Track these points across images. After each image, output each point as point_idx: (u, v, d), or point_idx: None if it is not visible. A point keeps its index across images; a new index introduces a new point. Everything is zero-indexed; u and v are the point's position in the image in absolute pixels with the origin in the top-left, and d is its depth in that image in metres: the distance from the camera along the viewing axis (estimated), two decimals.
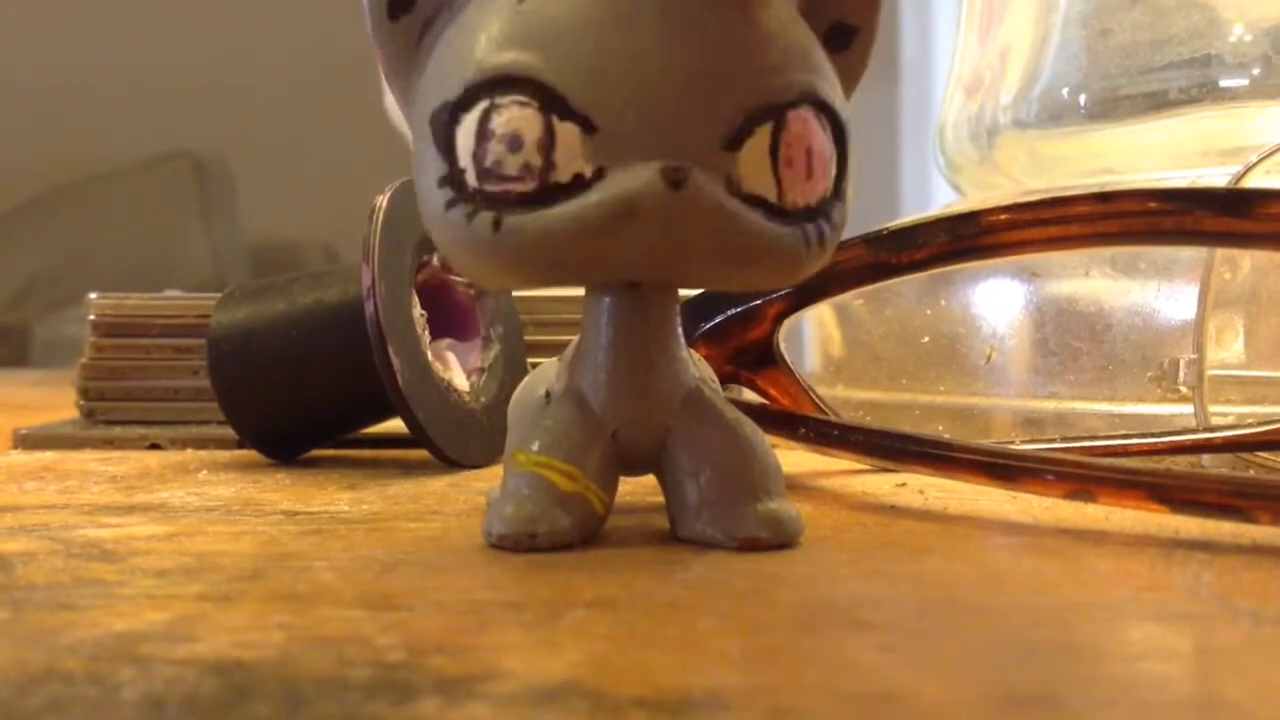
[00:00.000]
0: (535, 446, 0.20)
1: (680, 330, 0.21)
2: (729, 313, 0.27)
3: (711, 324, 0.27)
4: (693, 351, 0.23)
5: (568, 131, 0.17)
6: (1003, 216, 0.25)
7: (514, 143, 0.17)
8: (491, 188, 0.18)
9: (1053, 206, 0.24)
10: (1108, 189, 0.24)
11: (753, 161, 0.18)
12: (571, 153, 0.17)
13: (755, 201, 0.18)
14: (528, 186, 0.17)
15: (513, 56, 0.18)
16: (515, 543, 0.19)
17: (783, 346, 0.27)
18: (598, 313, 0.20)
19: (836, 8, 0.19)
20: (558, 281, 0.19)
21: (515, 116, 0.17)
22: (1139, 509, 0.21)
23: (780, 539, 0.20)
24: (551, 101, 0.17)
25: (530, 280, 0.19)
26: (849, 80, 0.20)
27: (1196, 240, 0.25)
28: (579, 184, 0.17)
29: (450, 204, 0.18)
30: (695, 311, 0.27)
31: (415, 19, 0.19)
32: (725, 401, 0.21)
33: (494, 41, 0.18)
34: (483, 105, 0.18)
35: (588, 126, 0.17)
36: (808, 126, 0.18)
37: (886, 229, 0.26)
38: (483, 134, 0.17)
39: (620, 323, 0.20)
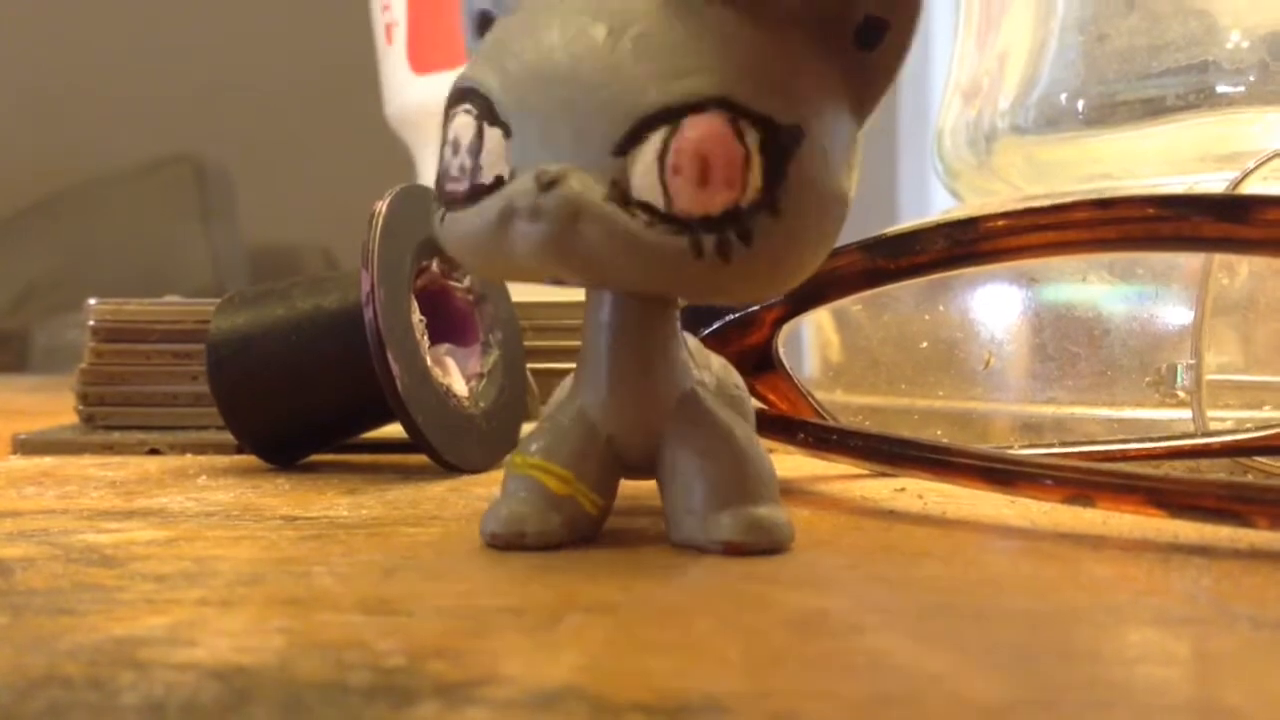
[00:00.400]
0: (533, 449, 0.20)
1: (679, 334, 0.21)
2: (728, 318, 0.27)
3: (710, 329, 0.27)
4: (708, 351, 0.23)
5: (494, 136, 0.18)
6: (1001, 222, 0.25)
7: (455, 147, 0.19)
8: (446, 187, 0.19)
9: (1051, 212, 0.24)
10: (1106, 195, 0.24)
11: (642, 168, 0.18)
12: (495, 156, 0.18)
13: (644, 208, 0.18)
14: (462, 186, 0.19)
15: (471, 70, 0.19)
16: (506, 542, 0.20)
17: (781, 352, 0.27)
18: (596, 319, 0.20)
19: (866, 1, 0.19)
20: (490, 275, 0.21)
21: (460, 123, 0.19)
22: (1137, 514, 0.21)
23: (765, 544, 0.20)
24: (484, 109, 0.19)
25: (477, 272, 0.21)
26: (880, 80, 0.19)
27: (1194, 246, 0.25)
28: (498, 185, 0.18)
29: (434, 200, 0.20)
30: (694, 316, 0.27)
31: None
32: (722, 405, 0.21)
33: (475, 58, 0.20)
34: (449, 114, 0.19)
35: (507, 131, 0.18)
36: (707, 132, 0.17)
37: (884, 234, 0.26)
38: (444, 140, 0.19)
39: (616, 328, 0.20)
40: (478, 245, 0.19)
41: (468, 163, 0.19)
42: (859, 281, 0.26)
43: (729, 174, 0.18)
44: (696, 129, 0.17)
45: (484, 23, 0.20)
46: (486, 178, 0.18)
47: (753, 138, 0.18)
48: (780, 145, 0.18)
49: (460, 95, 0.19)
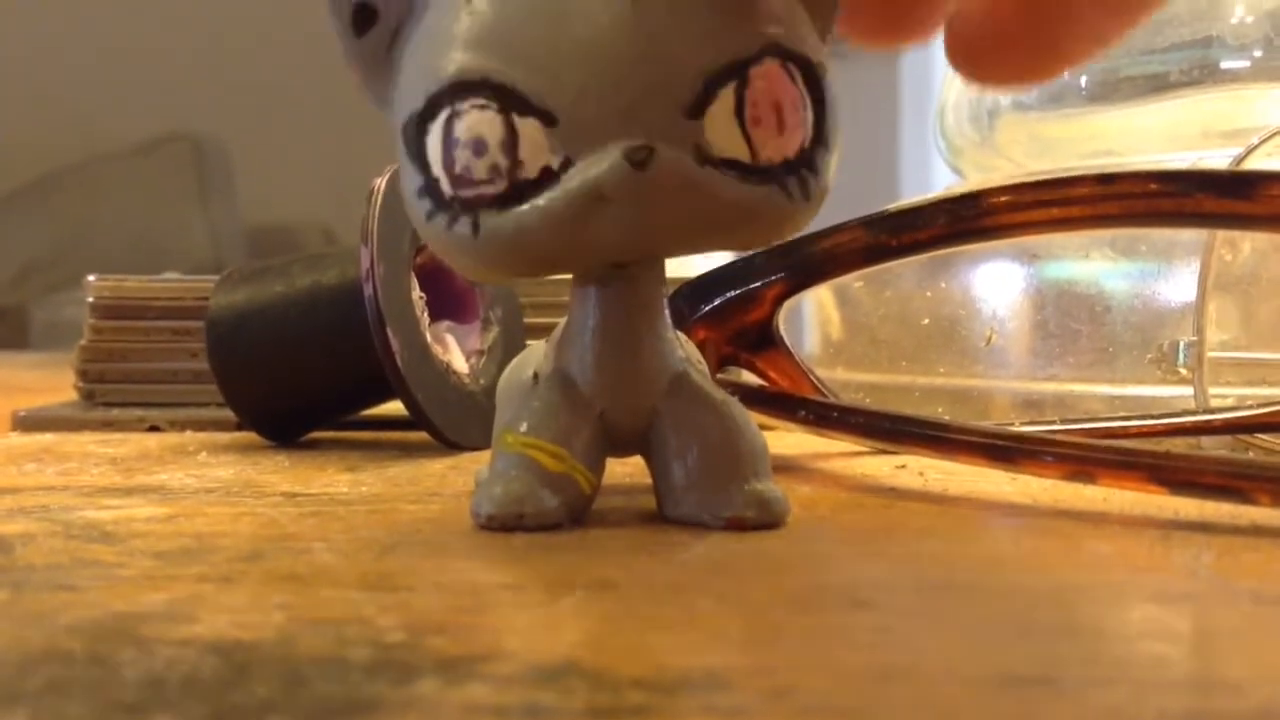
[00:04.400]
0: (523, 427, 0.20)
1: (667, 311, 0.20)
2: (728, 295, 0.27)
3: (710, 306, 0.27)
4: (679, 333, 0.23)
5: (529, 127, 0.17)
6: (1003, 198, 0.25)
7: (478, 147, 0.17)
8: (466, 193, 0.18)
9: (1053, 188, 0.24)
10: (1109, 171, 0.24)
11: (720, 125, 0.17)
12: (536, 148, 0.17)
13: (729, 165, 0.18)
14: (499, 188, 0.18)
15: (467, 60, 0.18)
16: (503, 523, 0.19)
17: (782, 329, 0.27)
18: (584, 294, 0.20)
19: None
20: (548, 271, 0.19)
21: (476, 120, 0.17)
22: (1138, 490, 0.21)
23: (766, 519, 0.20)
24: (509, 100, 0.17)
25: (519, 274, 0.19)
26: (822, 12, 0.19)
27: (1198, 222, 0.25)
28: (548, 177, 0.17)
29: (430, 215, 0.18)
30: (694, 294, 0.27)
31: (383, 30, 0.19)
32: (712, 383, 0.21)
33: (450, 46, 0.18)
34: (445, 113, 0.18)
35: (548, 119, 0.17)
36: (774, 80, 0.18)
37: (886, 211, 0.26)
38: (448, 142, 0.18)
39: (607, 303, 0.20)
40: (541, 243, 0.18)
41: (503, 161, 0.17)
42: (861, 258, 0.26)
43: (798, 116, 0.18)
44: (764, 78, 0.18)
45: (364, 16, 0.19)
46: (530, 172, 0.17)
47: (800, 79, 0.18)
48: (817, 82, 0.18)
49: (457, 90, 0.18)
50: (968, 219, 0.25)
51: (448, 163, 0.18)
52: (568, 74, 0.17)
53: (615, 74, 0.17)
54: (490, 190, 0.18)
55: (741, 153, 0.18)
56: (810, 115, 0.18)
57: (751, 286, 0.27)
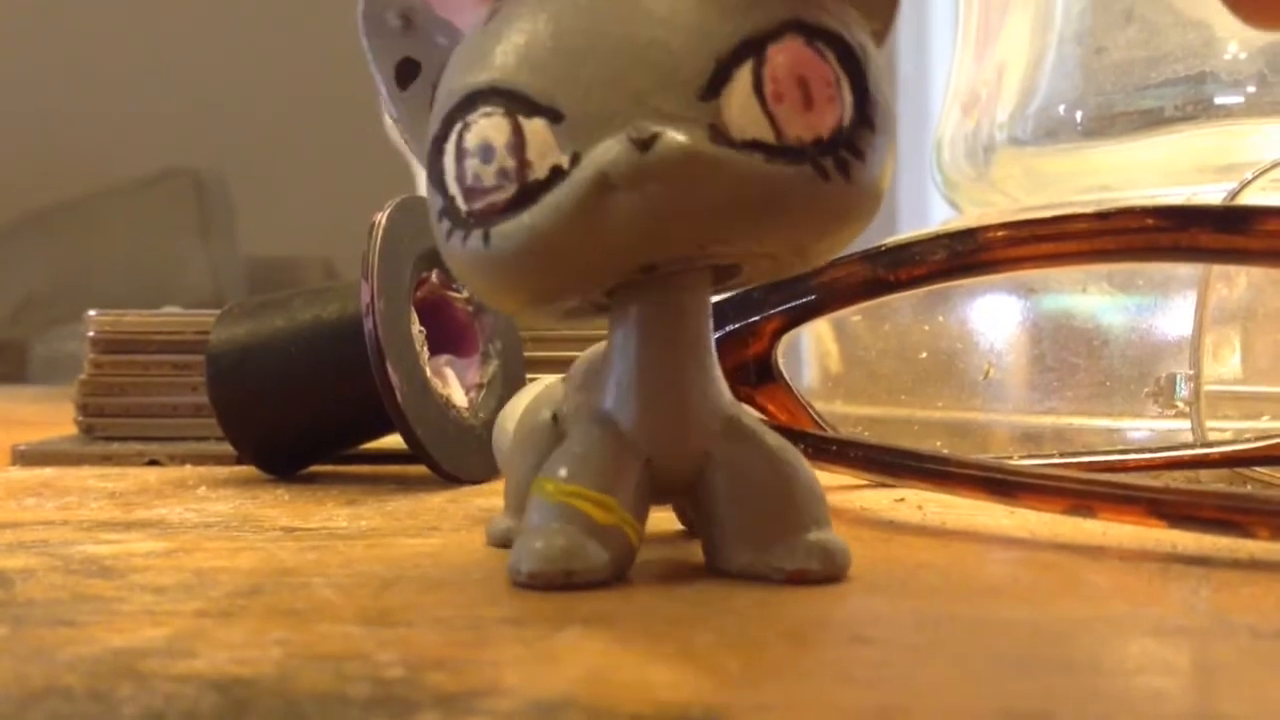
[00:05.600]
0: (563, 474, 0.18)
1: (713, 346, 0.19)
2: (726, 329, 0.27)
3: None
4: None
5: (536, 127, 0.17)
6: (1001, 233, 0.25)
7: (486, 153, 0.17)
8: (477, 205, 0.17)
9: (1051, 223, 0.24)
10: (1106, 206, 0.24)
11: (738, 105, 0.16)
12: (544, 147, 0.17)
13: (753, 146, 0.16)
14: (509, 193, 0.17)
15: (475, 74, 0.17)
16: (549, 581, 0.18)
17: (781, 363, 0.27)
18: (625, 326, 0.19)
19: None
20: (568, 283, 0.18)
21: (484, 127, 0.17)
22: (1138, 524, 0.21)
23: (830, 571, 0.18)
24: (515, 102, 0.17)
25: (537, 288, 0.18)
26: (880, 13, 0.18)
27: (1194, 257, 0.25)
28: (558, 176, 0.17)
29: (449, 234, 0.18)
30: None
31: (423, 83, 0.19)
32: (765, 427, 0.19)
33: (462, 69, 0.18)
34: (457, 128, 0.17)
35: (555, 116, 0.17)
36: (797, 56, 0.17)
37: (885, 245, 0.26)
38: (459, 154, 0.17)
39: (650, 337, 0.18)
40: (553, 245, 0.17)
41: (510, 163, 0.17)
42: (859, 292, 0.26)
43: (829, 92, 0.17)
44: (785, 54, 0.17)
45: (408, 70, 0.19)
46: (540, 172, 0.17)
47: (831, 56, 0.17)
48: (856, 61, 0.17)
49: (468, 103, 0.17)
50: (966, 254, 0.25)
51: (459, 175, 0.17)
52: (573, 69, 0.17)
53: (621, 63, 0.17)
54: (501, 197, 0.17)
55: (765, 132, 0.16)
56: (849, 94, 0.17)
57: (750, 320, 0.27)
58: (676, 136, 0.16)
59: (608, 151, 0.16)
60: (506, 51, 0.17)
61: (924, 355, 0.36)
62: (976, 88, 0.43)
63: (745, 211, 0.17)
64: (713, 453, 0.19)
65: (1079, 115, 0.39)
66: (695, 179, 0.16)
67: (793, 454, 0.19)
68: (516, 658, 0.14)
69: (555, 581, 0.18)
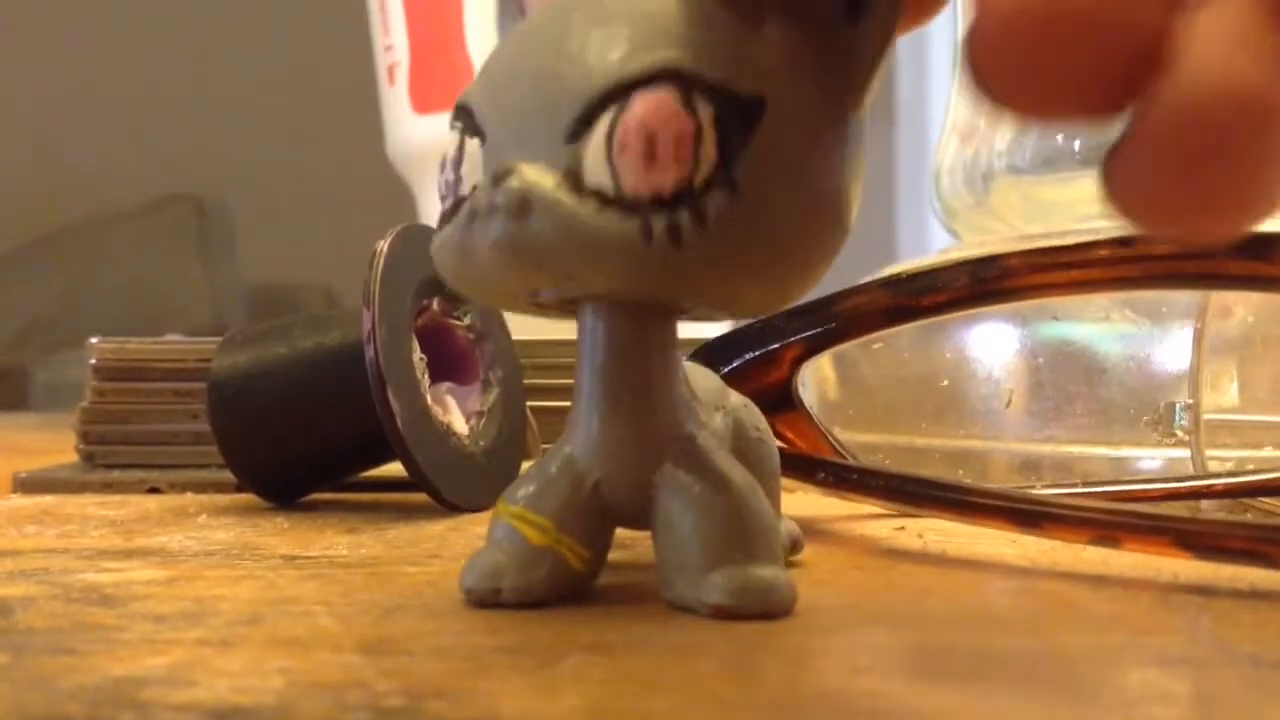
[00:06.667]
0: (518, 495, 0.19)
1: (679, 371, 0.19)
2: (746, 356, 0.27)
3: (729, 367, 0.27)
4: (736, 394, 0.22)
5: (473, 146, 0.18)
6: (1024, 260, 0.24)
7: (442, 164, 0.18)
8: (442, 210, 0.19)
9: (1075, 250, 0.24)
10: (1128, 234, 0.24)
11: (592, 151, 0.17)
12: (474, 165, 0.18)
13: (595, 194, 0.17)
14: (448, 204, 0.18)
15: (467, 88, 0.19)
16: (480, 598, 0.18)
17: (801, 390, 0.27)
18: (583, 351, 0.19)
19: None
20: (497, 301, 0.20)
21: (450, 138, 0.18)
22: (1163, 555, 0.21)
23: (758, 608, 0.18)
24: (466, 119, 0.18)
25: (480, 297, 0.20)
26: (869, 56, 0.17)
27: (1220, 284, 0.24)
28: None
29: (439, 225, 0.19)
30: (712, 354, 0.27)
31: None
32: (724, 452, 0.19)
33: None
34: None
35: (484, 138, 0.18)
36: (653, 107, 0.16)
37: (905, 272, 0.26)
38: (443, 159, 0.19)
39: (604, 361, 0.19)
40: (451, 257, 0.18)
41: (451, 177, 0.18)
42: (881, 320, 0.26)
43: (678, 149, 0.16)
44: (643, 104, 0.16)
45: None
46: (465, 189, 0.18)
47: (706, 110, 0.16)
48: (738, 117, 0.16)
49: (455, 112, 0.19)
50: (989, 280, 0.25)
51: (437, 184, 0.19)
52: (501, 95, 0.18)
53: (532, 93, 0.17)
54: (446, 206, 0.18)
55: (605, 182, 0.16)
56: (713, 153, 0.16)
57: (770, 348, 0.27)
58: (524, 175, 0.17)
59: (482, 183, 0.17)
60: (482, 70, 0.19)
61: (922, 383, 0.36)
62: (975, 116, 0.44)
63: (566, 255, 0.17)
64: (657, 479, 0.19)
65: (1077, 144, 0.39)
66: (528, 218, 0.17)
67: (741, 483, 0.19)
68: (516, 688, 0.14)
69: (486, 599, 0.18)
